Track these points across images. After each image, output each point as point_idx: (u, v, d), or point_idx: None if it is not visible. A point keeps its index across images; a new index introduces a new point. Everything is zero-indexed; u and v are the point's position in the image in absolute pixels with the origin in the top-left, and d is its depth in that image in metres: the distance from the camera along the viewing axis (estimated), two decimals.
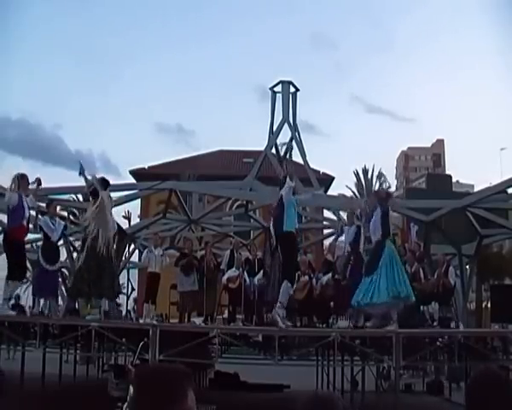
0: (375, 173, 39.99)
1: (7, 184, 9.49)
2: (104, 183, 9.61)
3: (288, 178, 8.92)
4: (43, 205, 11.64)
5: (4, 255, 9.51)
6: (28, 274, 14.97)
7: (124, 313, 18.25)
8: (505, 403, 2.04)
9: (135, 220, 30.39)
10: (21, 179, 9.17)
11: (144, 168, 35.13)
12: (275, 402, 10.65)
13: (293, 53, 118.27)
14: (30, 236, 11.58)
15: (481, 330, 12.24)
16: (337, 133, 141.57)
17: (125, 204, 13.78)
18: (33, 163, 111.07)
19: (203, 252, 13.57)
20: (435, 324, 11.40)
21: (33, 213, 10.34)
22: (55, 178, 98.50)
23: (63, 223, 11.01)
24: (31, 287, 14.10)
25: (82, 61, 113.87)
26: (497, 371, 2.18)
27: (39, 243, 11.99)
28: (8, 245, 9.38)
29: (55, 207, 11.59)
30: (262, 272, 12.26)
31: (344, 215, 14.88)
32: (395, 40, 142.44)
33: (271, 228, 9.57)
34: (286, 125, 19.25)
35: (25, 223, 9.27)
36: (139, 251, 15.71)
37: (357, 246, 10.40)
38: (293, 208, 8.96)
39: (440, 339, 9.49)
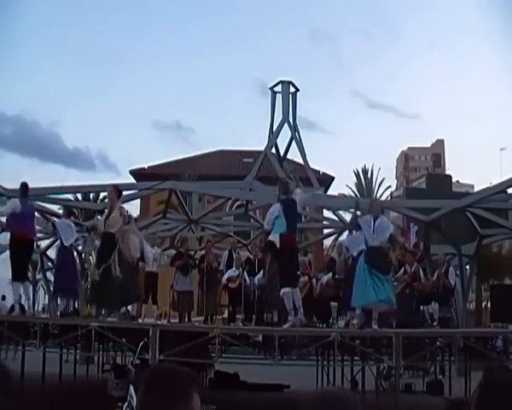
0: (375, 173, 39.94)
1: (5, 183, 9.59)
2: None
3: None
4: (42, 204, 11.73)
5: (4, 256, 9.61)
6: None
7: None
8: None
9: None
10: None
11: (144, 168, 35.17)
12: (275, 402, 10.64)
13: (294, 49, 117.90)
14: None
15: (481, 330, 12.23)
16: (338, 130, 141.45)
17: (125, 204, 13.76)
18: (31, 161, 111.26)
19: (203, 252, 13.56)
20: (435, 324, 11.40)
21: None
22: (55, 176, 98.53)
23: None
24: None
25: (79, 59, 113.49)
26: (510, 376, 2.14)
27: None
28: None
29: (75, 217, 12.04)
30: (262, 272, 12.26)
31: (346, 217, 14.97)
32: (398, 36, 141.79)
33: None
34: (286, 125, 19.23)
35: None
36: None
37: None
38: None
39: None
